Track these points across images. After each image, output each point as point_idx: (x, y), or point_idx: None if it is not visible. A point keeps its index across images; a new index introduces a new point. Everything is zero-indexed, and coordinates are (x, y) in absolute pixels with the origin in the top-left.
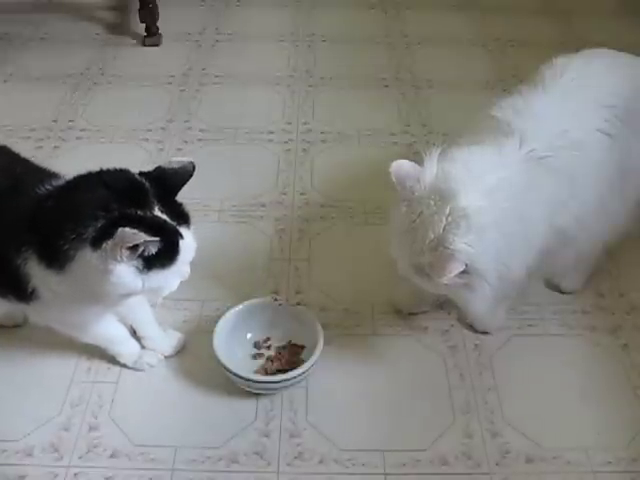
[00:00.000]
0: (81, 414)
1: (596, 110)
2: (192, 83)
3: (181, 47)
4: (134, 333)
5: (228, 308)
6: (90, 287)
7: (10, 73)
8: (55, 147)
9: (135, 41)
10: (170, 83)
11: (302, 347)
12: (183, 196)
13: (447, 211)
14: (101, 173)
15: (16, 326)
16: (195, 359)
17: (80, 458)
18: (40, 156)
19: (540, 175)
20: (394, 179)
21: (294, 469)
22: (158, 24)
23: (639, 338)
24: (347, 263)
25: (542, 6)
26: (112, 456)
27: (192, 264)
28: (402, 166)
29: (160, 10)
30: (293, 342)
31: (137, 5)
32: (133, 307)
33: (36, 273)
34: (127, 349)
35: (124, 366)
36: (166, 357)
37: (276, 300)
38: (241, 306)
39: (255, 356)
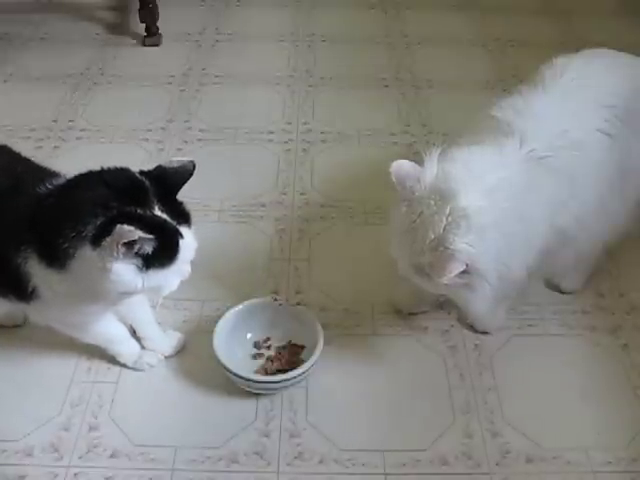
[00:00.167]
0: (81, 414)
1: (596, 110)
2: (192, 83)
3: (181, 47)
4: (134, 333)
5: (228, 308)
6: (90, 286)
7: (10, 73)
8: (55, 147)
9: (135, 41)
10: (170, 83)
11: (302, 347)
12: (183, 196)
13: (447, 211)
14: (102, 172)
15: (16, 326)
16: (195, 359)
17: (80, 458)
18: (40, 156)
19: (540, 175)
20: (394, 179)
21: (294, 469)
22: (158, 24)
23: (639, 338)
24: (347, 263)
25: (542, 6)
26: (112, 456)
27: (192, 264)
28: (402, 166)
29: (160, 10)
30: (293, 342)
31: (137, 5)
32: (133, 307)
33: (36, 272)
34: (127, 349)
35: (124, 366)
36: (166, 357)
37: (276, 300)
38: (241, 306)
39: (255, 356)
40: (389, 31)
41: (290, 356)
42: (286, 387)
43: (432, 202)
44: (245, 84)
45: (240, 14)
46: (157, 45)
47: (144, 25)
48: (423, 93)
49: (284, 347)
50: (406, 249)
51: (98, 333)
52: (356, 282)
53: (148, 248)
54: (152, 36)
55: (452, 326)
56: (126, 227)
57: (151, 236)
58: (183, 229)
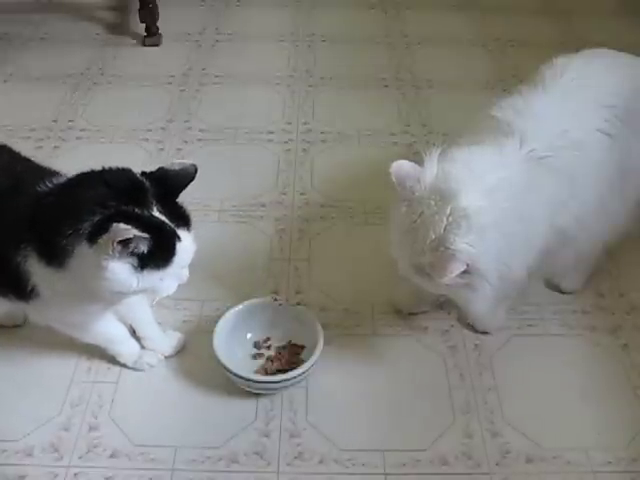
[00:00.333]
0: (81, 414)
1: (596, 110)
2: (192, 83)
3: (181, 47)
4: (134, 333)
5: (228, 308)
6: (87, 284)
7: (10, 73)
8: (55, 147)
9: (135, 41)
10: (170, 83)
11: (302, 347)
12: (183, 195)
13: (448, 211)
14: (102, 171)
15: (16, 326)
16: (195, 359)
17: (80, 458)
18: (40, 156)
19: (540, 175)
20: (394, 179)
21: (294, 469)
22: (158, 24)
23: (639, 338)
24: (347, 263)
25: (542, 6)
26: (112, 456)
27: (192, 264)
28: (402, 166)
29: (160, 10)
30: (293, 342)
31: (137, 5)
32: (133, 307)
33: (36, 270)
34: (127, 349)
35: (124, 366)
36: (166, 357)
37: (276, 300)
38: (241, 306)
39: (255, 356)
40: (389, 31)
41: (290, 356)
42: (286, 387)
43: (432, 202)
44: (245, 84)
45: (240, 14)
46: (157, 45)
47: (144, 25)
48: (423, 93)
49: (284, 347)
50: (406, 249)
51: (98, 333)
52: (356, 282)
53: (143, 247)
54: (152, 36)
55: (452, 326)
56: (122, 225)
57: (146, 235)
58: (182, 232)
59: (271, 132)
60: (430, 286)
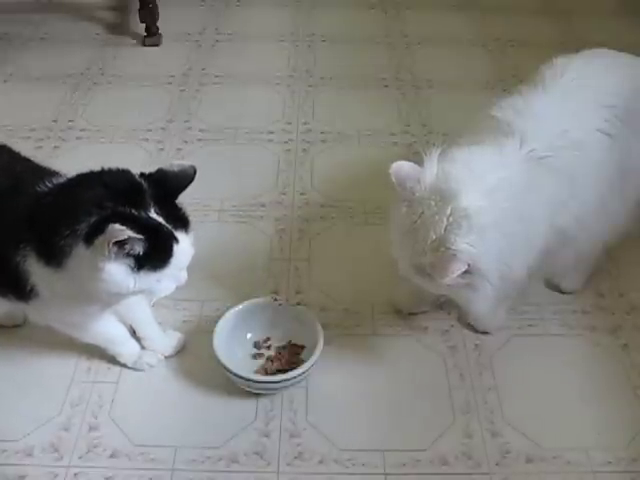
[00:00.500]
0: (81, 414)
1: (596, 110)
2: (192, 83)
3: (181, 47)
4: (134, 333)
5: (228, 308)
6: (84, 285)
7: (10, 73)
8: (55, 147)
9: (135, 41)
10: (170, 83)
11: (302, 347)
12: (183, 196)
13: (448, 211)
14: (101, 172)
15: (16, 326)
16: (195, 359)
17: (80, 458)
18: (40, 156)
19: (540, 175)
20: (394, 180)
21: (294, 469)
22: (158, 24)
23: (639, 338)
24: (347, 263)
25: (542, 6)
26: (112, 456)
27: (192, 264)
28: (402, 167)
29: (160, 10)
30: (293, 342)
31: (137, 5)
32: (132, 307)
33: (35, 270)
34: (127, 349)
35: (124, 366)
36: (166, 357)
37: (276, 300)
38: (241, 306)
39: (255, 356)
40: (389, 31)
41: (290, 356)
42: (286, 387)
43: (433, 202)
44: (245, 84)
45: (240, 14)
46: (157, 45)
47: (144, 25)
48: (423, 93)
49: (284, 347)
50: (407, 250)
51: (98, 333)
52: (356, 282)
53: (139, 249)
54: (152, 36)
55: (452, 326)
56: (117, 226)
57: (141, 236)
58: (179, 234)
59: (271, 132)
60: (431, 286)
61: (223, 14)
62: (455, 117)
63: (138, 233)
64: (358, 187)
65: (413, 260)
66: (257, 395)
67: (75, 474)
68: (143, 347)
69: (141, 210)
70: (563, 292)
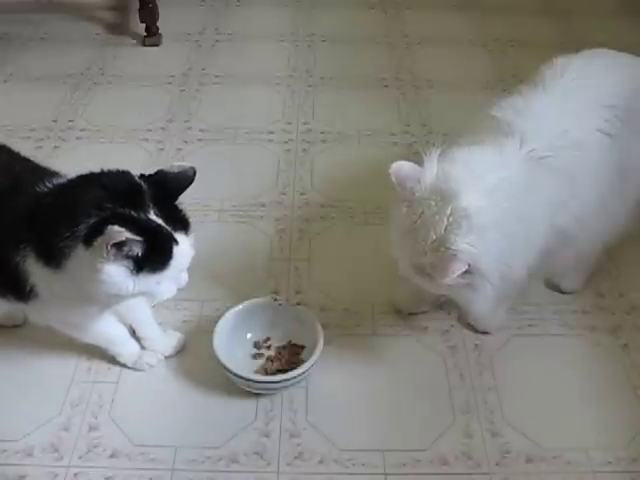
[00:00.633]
0: (81, 414)
1: (596, 110)
2: (192, 83)
3: (181, 47)
4: (134, 333)
5: (228, 308)
6: (83, 286)
7: (10, 73)
8: (55, 147)
9: (135, 41)
10: (170, 83)
11: (302, 347)
12: (183, 196)
13: (448, 211)
14: (101, 174)
15: (16, 326)
16: (195, 359)
17: (80, 458)
18: (40, 156)
19: (540, 175)
20: (394, 180)
21: (294, 469)
22: (158, 24)
23: (639, 338)
24: (347, 263)
25: (542, 6)
26: (112, 456)
27: (192, 264)
28: (402, 167)
29: (160, 10)
30: (293, 342)
31: (137, 5)
32: (132, 307)
33: (34, 271)
34: (127, 349)
35: (124, 366)
36: (166, 357)
37: (276, 300)
38: (241, 306)
39: (255, 356)
40: (389, 31)
41: (290, 356)
42: (286, 387)
43: (433, 202)
44: (245, 84)
45: (240, 14)
46: (157, 45)
47: (144, 25)
48: (423, 93)
49: (284, 347)
50: (407, 250)
51: (98, 333)
52: (356, 282)
53: (137, 250)
54: (152, 36)
55: (452, 326)
56: (116, 228)
57: (139, 238)
58: (179, 236)
59: (271, 132)
60: (431, 286)
61: (223, 14)
62: (455, 117)
63: (137, 235)
64: (358, 187)
65: (413, 260)
66: (257, 395)
67: (75, 474)
68: (143, 347)
69: (140, 212)
70: (563, 292)
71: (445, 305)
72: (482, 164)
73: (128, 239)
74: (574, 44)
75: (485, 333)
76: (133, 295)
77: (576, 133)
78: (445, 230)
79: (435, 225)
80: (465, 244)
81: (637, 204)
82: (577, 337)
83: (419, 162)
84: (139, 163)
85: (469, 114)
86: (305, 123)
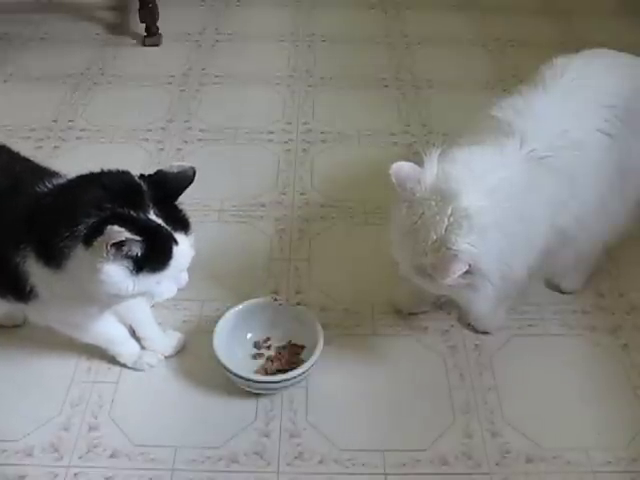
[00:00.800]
0: (81, 414)
1: (596, 110)
2: (192, 83)
3: (181, 47)
4: (134, 333)
5: (228, 308)
6: (83, 286)
7: (10, 73)
8: (55, 147)
9: (135, 41)
10: (170, 83)
11: (302, 347)
12: (183, 196)
13: (449, 211)
14: (101, 174)
15: (16, 326)
16: (195, 359)
17: (80, 458)
18: (40, 156)
19: (541, 175)
20: (394, 181)
21: (294, 469)
22: (158, 24)
23: (639, 338)
24: (347, 263)
25: (542, 6)
26: (112, 456)
27: (192, 264)
28: (402, 168)
29: (160, 10)
30: (293, 342)
31: (137, 5)
32: (132, 307)
33: (34, 271)
34: (127, 349)
35: (124, 366)
36: (166, 357)
37: (276, 300)
38: (241, 306)
39: (255, 356)
40: (389, 31)
41: (290, 356)
42: (286, 387)
43: (433, 203)
44: (245, 84)
45: (240, 14)
46: (157, 45)
47: (144, 25)
48: (423, 93)
49: (284, 347)
50: (408, 250)
51: (98, 333)
52: (356, 282)
53: (137, 250)
54: (152, 36)
55: (452, 326)
56: (115, 228)
57: (138, 238)
58: (179, 236)
59: (271, 132)
60: (432, 287)
61: (223, 14)
62: (455, 117)
63: (137, 235)
64: (358, 187)
65: (414, 261)
66: (257, 395)
67: (75, 474)
68: (143, 347)
69: (140, 212)
70: (563, 292)
71: (445, 305)
72: (482, 164)
73: (128, 239)
74: (574, 44)
75: (485, 333)
76: (133, 295)
77: (576, 133)
78: (446, 230)
79: (436, 225)
80: (466, 244)
81: (637, 204)
82: (577, 337)
83: (419, 162)
84: (139, 163)
85: (469, 114)
86: (305, 123)
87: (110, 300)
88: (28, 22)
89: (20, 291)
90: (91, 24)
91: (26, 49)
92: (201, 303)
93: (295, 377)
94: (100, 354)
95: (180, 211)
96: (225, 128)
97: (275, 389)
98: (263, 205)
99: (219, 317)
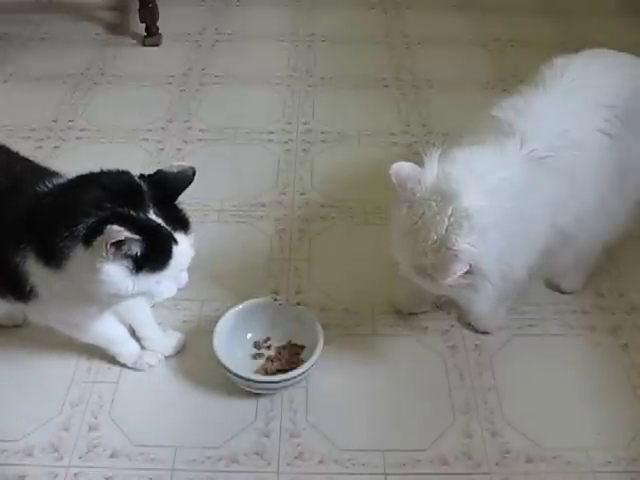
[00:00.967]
0: (81, 414)
1: (596, 110)
2: (192, 83)
3: (181, 47)
4: (134, 333)
5: (228, 308)
6: (83, 286)
7: (10, 73)
8: (55, 147)
9: (135, 41)
10: (170, 83)
11: (302, 347)
12: (183, 196)
13: (449, 212)
14: (100, 174)
15: (16, 326)
16: (195, 359)
17: (80, 458)
18: (40, 156)
19: (541, 175)
20: (394, 181)
21: (294, 469)
22: (158, 24)
23: (639, 338)
24: (347, 263)
25: (542, 6)
26: (112, 456)
27: (192, 264)
28: (402, 168)
29: (160, 10)
30: (293, 342)
31: (137, 5)
32: (132, 307)
33: (34, 271)
34: (127, 349)
35: (124, 366)
36: (166, 357)
37: (276, 300)
38: (241, 306)
39: (255, 356)
40: (389, 31)
41: (290, 356)
42: (286, 387)
43: (433, 203)
44: (245, 84)
45: (240, 14)
46: (157, 45)
47: (144, 25)
48: (423, 93)
49: (284, 347)
50: (408, 251)
51: (98, 333)
52: (356, 282)
53: (136, 250)
54: (152, 36)
55: (452, 326)
56: (115, 227)
57: (138, 237)
58: (179, 235)
59: (271, 132)
60: (432, 287)
61: (223, 14)
62: (455, 117)
63: (137, 234)
64: (358, 187)
65: (414, 261)
66: (257, 395)
67: (75, 474)
68: (143, 347)
69: (140, 211)
70: (563, 292)
71: (445, 305)
72: (483, 164)
73: (127, 238)
74: (574, 44)
75: (485, 333)
76: (133, 295)
77: (576, 133)
78: (446, 230)
79: (436, 226)
80: (466, 244)
81: (637, 204)
82: (577, 337)
83: (419, 162)
84: (139, 163)
85: (469, 114)
86: (305, 123)
87: (110, 300)
88: (28, 22)
89: (20, 291)
90: (91, 24)
91: (26, 49)
92: (201, 303)
93: (295, 377)
94: (100, 354)
95: (180, 211)
96: (225, 128)
97: (275, 389)
98: (263, 205)
99: (219, 317)
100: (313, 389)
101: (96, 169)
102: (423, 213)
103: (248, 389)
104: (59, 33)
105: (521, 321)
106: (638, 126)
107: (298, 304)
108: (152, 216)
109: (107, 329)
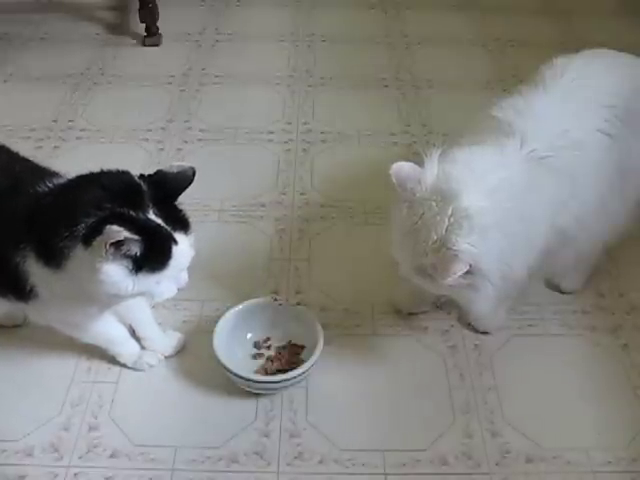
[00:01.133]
0: (81, 414)
1: (596, 110)
2: (192, 83)
3: (181, 47)
4: (134, 333)
5: (228, 308)
6: (83, 286)
7: (10, 73)
8: (55, 147)
9: (135, 41)
10: (170, 83)
11: (302, 347)
12: (183, 196)
13: (449, 212)
14: (100, 174)
15: (16, 326)
16: (195, 359)
17: (80, 458)
18: (40, 156)
19: (541, 175)
20: (395, 181)
21: (294, 469)
22: (158, 24)
23: (639, 338)
24: (347, 263)
25: (542, 6)
26: (112, 456)
27: (192, 264)
28: (402, 168)
29: (160, 10)
30: (293, 342)
31: (137, 5)
32: (132, 307)
33: (34, 271)
34: (127, 349)
35: (124, 366)
36: (166, 357)
37: (276, 300)
38: (241, 306)
39: (255, 356)
40: (389, 31)
41: (290, 356)
42: (286, 387)
43: (433, 203)
44: (245, 84)
45: (240, 14)
46: (157, 45)
47: (144, 25)
48: (423, 93)
49: (284, 347)
50: (408, 251)
51: (98, 333)
52: (356, 282)
53: (136, 249)
54: (152, 36)
55: (452, 326)
56: (114, 227)
57: (137, 237)
58: (179, 235)
59: (271, 132)
60: (432, 287)
61: (223, 14)
62: (455, 117)
63: (136, 234)
64: (358, 187)
65: (414, 261)
66: (257, 395)
67: (75, 474)
68: (143, 347)
69: (140, 211)
70: (563, 292)
71: (445, 305)
72: (483, 164)
73: (127, 238)
74: (574, 44)
75: (485, 333)
76: (133, 295)
77: (576, 133)
78: (446, 231)
79: (436, 226)
80: (466, 244)
81: (637, 204)
82: (577, 337)
83: (419, 162)
84: (139, 163)
85: (469, 114)
86: (305, 123)
87: (110, 300)
88: (28, 22)
89: (20, 291)
90: (91, 24)
91: (26, 49)
92: (201, 303)
93: (295, 377)
94: (100, 354)
95: (180, 211)
96: (225, 128)
97: (275, 389)
98: (263, 205)
99: (219, 317)
100: (313, 389)
101: (96, 169)
102: (423, 213)
103: (248, 389)
104: (59, 33)
105: (521, 321)
106: (638, 126)
107: (298, 304)
108: (152, 216)
109: (107, 329)
